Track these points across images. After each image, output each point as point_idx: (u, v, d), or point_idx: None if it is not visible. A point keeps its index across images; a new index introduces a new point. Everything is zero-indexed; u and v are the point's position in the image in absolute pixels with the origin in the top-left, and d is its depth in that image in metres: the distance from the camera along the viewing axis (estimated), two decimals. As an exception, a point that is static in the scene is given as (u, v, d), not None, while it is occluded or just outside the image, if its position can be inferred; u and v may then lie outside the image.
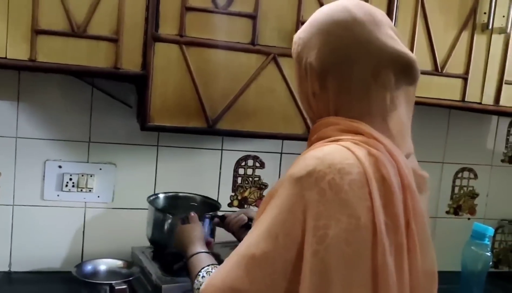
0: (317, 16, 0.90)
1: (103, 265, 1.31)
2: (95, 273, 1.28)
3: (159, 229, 1.41)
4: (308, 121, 0.97)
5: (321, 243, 0.72)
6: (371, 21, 0.85)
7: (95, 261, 1.31)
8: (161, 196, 1.57)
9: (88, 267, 1.28)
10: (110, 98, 1.58)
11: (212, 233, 1.45)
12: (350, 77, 0.84)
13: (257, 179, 1.77)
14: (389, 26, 0.88)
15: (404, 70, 0.85)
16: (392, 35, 0.86)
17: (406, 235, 0.76)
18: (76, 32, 1.24)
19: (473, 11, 1.52)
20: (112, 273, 1.28)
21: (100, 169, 1.61)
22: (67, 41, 1.24)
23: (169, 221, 1.39)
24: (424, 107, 1.60)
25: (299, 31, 0.93)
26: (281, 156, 1.79)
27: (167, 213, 1.41)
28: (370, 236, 0.73)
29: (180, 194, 1.59)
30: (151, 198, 1.52)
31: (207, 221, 1.40)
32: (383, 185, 0.76)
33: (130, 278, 1.25)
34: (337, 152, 0.78)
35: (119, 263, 1.33)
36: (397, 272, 0.73)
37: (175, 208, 1.52)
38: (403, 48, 0.86)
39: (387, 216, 0.75)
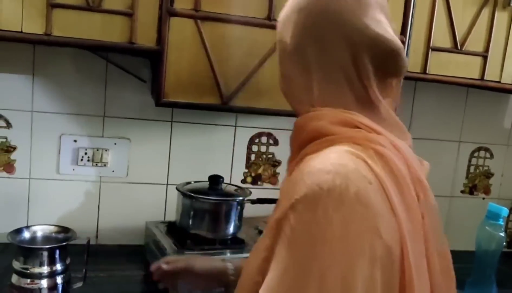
0: None
1: (39, 231, 1.29)
2: (32, 239, 1.27)
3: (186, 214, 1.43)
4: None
5: (373, 262, 0.64)
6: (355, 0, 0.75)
7: (31, 228, 1.29)
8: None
9: (25, 234, 1.27)
10: (124, 73, 1.57)
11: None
12: (330, 62, 0.76)
13: (270, 156, 1.77)
14: (379, 7, 0.77)
15: (386, 58, 0.76)
16: (379, 18, 0.76)
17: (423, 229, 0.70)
18: (91, 6, 1.23)
19: (495, -13, 1.48)
20: (48, 239, 1.27)
21: (115, 144, 1.61)
22: (82, 15, 1.23)
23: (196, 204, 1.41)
24: (442, 85, 1.58)
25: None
26: (295, 133, 1.78)
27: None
28: (400, 249, 0.67)
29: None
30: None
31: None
32: (396, 185, 0.69)
33: (64, 243, 1.24)
34: (345, 158, 0.68)
35: (52, 228, 1.30)
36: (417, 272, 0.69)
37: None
38: (388, 32, 0.76)
39: (408, 218, 0.68)
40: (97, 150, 1.59)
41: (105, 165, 1.61)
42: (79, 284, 1.27)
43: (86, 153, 1.59)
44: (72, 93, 1.57)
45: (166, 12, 1.26)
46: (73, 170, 1.59)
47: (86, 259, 1.28)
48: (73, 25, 1.23)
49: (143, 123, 1.63)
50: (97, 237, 1.64)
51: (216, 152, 1.72)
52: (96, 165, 1.60)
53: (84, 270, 1.28)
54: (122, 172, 1.64)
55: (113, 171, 1.63)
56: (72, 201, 1.61)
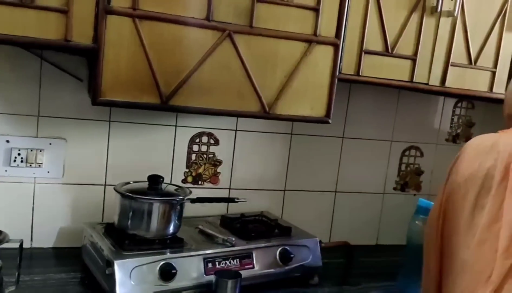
0: None
1: None
2: None
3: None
4: None
5: None
6: None
7: None
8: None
9: None
10: (60, 71, 1.54)
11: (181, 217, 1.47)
12: None
13: (211, 155, 1.78)
14: None
15: None
16: None
17: None
18: (24, 2, 1.19)
19: (423, -7, 1.56)
20: None
21: (50, 144, 1.57)
22: (14, 11, 1.19)
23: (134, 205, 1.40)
24: (375, 87, 1.65)
25: None
26: (235, 132, 1.80)
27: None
28: None
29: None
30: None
31: None
32: None
33: None
34: None
35: None
36: None
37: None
38: None
39: None
40: (31, 150, 1.55)
41: (39, 166, 1.56)
42: (11, 288, 1.23)
43: (19, 154, 1.54)
44: (4, 92, 1.51)
45: (103, 10, 1.24)
46: (6, 171, 1.54)
47: (19, 262, 1.25)
48: (5, 21, 1.19)
49: (80, 123, 1.60)
50: (32, 240, 1.59)
51: (156, 152, 1.71)
52: (30, 165, 1.55)
53: (17, 273, 1.24)
54: (57, 173, 1.60)
55: (48, 172, 1.58)
56: (4, 203, 1.55)
